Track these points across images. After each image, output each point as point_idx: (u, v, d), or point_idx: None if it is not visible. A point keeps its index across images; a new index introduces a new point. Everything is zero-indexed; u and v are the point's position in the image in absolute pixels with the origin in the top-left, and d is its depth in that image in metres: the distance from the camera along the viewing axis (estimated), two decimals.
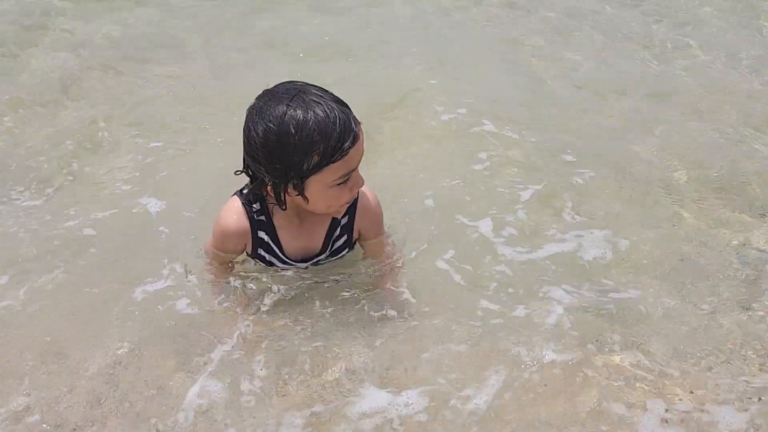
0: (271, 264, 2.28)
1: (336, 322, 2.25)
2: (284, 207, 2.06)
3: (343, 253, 2.34)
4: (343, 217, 2.23)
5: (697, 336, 2.27)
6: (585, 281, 2.52)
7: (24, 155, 3.41)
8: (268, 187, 2.01)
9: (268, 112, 1.91)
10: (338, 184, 1.99)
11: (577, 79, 4.33)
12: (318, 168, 1.92)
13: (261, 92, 2.01)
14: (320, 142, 1.88)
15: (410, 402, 1.99)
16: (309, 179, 1.95)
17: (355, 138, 1.95)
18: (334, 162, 1.93)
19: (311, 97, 1.92)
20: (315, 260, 2.29)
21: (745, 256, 2.65)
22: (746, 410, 2.01)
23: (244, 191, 2.18)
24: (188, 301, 2.33)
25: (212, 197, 2.76)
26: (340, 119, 1.91)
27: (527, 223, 2.83)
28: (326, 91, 1.99)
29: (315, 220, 2.20)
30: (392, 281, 2.38)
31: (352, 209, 2.22)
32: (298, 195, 2.00)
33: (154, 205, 2.95)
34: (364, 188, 2.15)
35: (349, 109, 1.99)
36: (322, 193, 1.99)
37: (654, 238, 2.77)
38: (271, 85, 2.03)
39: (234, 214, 2.16)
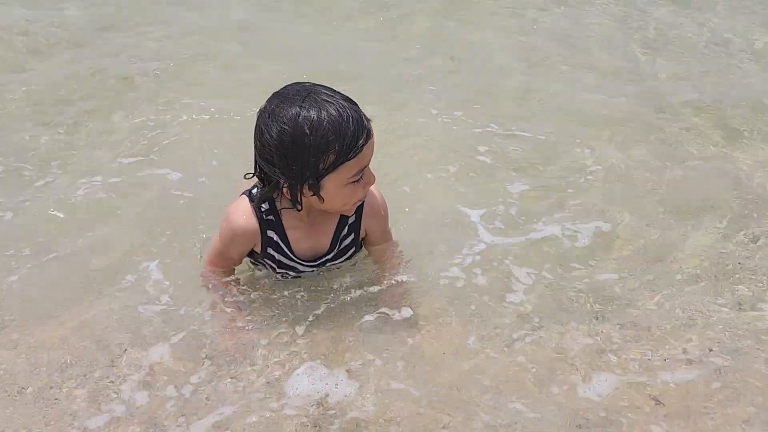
0: (280, 264, 2.26)
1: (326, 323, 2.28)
2: (300, 208, 2.08)
3: (350, 252, 2.33)
4: (350, 216, 2.24)
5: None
6: (571, 263, 2.63)
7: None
8: (284, 189, 2.03)
9: (281, 114, 1.92)
10: (352, 182, 2.01)
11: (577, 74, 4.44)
12: (333, 167, 1.95)
13: (270, 95, 2.02)
14: (335, 141, 1.91)
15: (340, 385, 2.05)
16: (324, 179, 1.97)
17: (369, 134, 1.99)
18: (349, 160, 1.95)
19: (322, 97, 1.94)
20: (323, 260, 2.29)
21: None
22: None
23: (253, 191, 2.18)
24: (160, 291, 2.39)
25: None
26: (353, 117, 1.94)
27: (520, 213, 2.93)
28: (335, 90, 2.01)
29: (324, 220, 2.21)
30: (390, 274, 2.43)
31: (359, 207, 2.23)
32: (313, 195, 2.02)
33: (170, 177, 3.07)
34: (372, 186, 2.16)
35: (359, 107, 2.01)
36: (337, 192, 2.02)
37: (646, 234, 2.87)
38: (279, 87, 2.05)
39: (243, 213, 2.15)
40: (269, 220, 2.18)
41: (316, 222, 2.22)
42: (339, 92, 2.01)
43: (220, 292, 2.31)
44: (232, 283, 2.35)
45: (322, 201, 2.04)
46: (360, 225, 2.30)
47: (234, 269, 2.37)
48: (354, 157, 1.96)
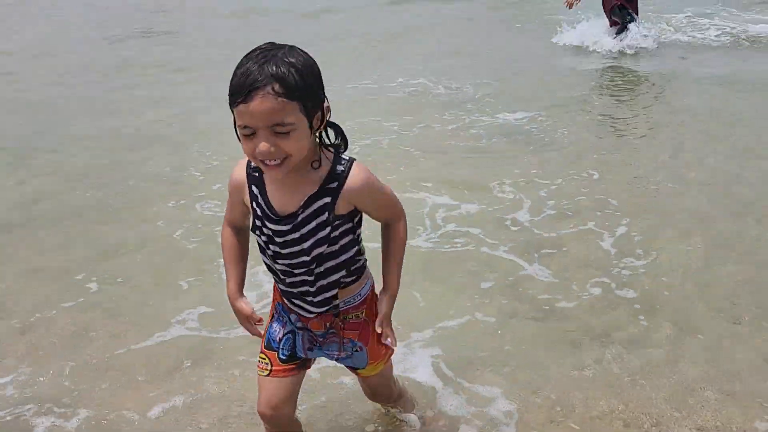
0: (254, 225, 2.29)
1: None
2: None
3: (323, 217, 2.20)
4: (333, 183, 2.18)
5: None
6: None
7: None
8: None
9: None
10: (242, 133, 2.00)
11: None
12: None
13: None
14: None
15: None
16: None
17: (248, 98, 1.92)
18: (230, 105, 1.97)
19: (273, 52, 1.97)
20: (292, 219, 2.20)
21: None
22: None
23: None
24: None
25: None
26: (246, 74, 1.93)
27: None
28: (294, 53, 2.00)
29: (302, 182, 2.19)
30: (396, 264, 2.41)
31: (339, 177, 2.18)
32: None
33: None
34: (359, 170, 2.17)
35: (298, 78, 1.94)
36: (239, 131, 2.03)
37: None
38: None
39: (239, 167, 2.29)
40: (254, 176, 2.25)
41: (294, 182, 2.18)
42: (291, 60, 1.97)
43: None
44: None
45: None
46: (338, 196, 2.19)
47: (243, 229, 2.44)
48: (232, 107, 1.97)
